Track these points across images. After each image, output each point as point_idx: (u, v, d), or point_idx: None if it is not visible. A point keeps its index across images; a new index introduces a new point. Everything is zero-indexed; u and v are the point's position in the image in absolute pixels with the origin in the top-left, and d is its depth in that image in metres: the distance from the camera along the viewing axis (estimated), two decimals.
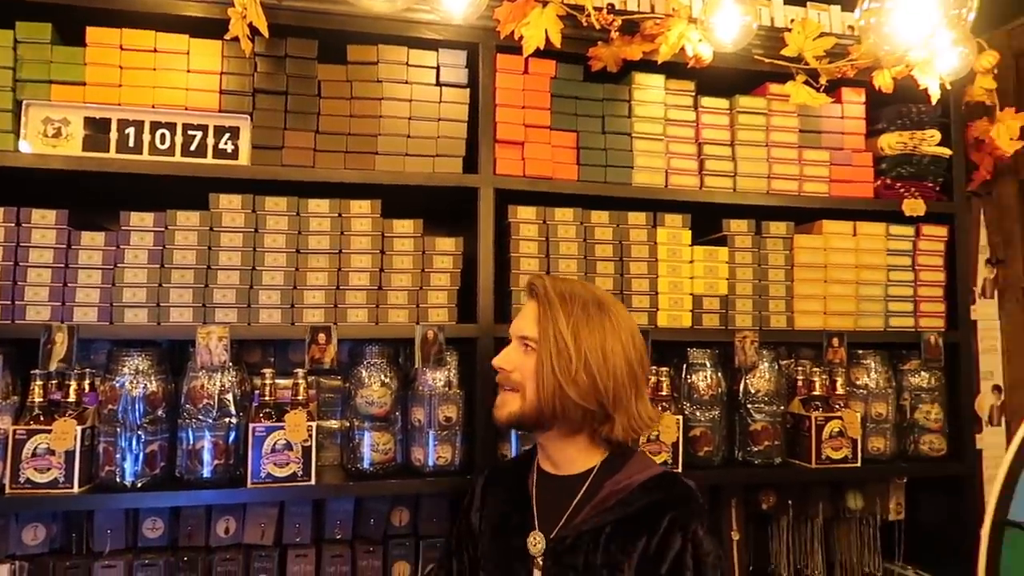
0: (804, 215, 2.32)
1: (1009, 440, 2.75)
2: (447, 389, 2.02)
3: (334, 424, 2.16)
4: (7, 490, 1.74)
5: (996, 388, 2.84)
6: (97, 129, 1.88)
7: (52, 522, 1.96)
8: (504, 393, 1.44)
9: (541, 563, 1.36)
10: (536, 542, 1.38)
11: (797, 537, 2.40)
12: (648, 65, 2.15)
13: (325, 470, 2.05)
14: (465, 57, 2.09)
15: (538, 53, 2.02)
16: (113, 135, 1.88)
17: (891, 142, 2.38)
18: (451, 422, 2.00)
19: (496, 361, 1.45)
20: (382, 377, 2.00)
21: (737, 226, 2.24)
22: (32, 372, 1.79)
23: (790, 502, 2.36)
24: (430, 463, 1.99)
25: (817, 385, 2.23)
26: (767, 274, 2.25)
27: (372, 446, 1.98)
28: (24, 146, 1.83)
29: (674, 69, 2.16)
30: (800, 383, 2.28)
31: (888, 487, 2.44)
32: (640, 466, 1.41)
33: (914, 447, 2.35)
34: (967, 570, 2.31)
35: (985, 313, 2.82)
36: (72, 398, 1.82)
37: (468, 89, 2.08)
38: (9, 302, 1.80)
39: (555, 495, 1.41)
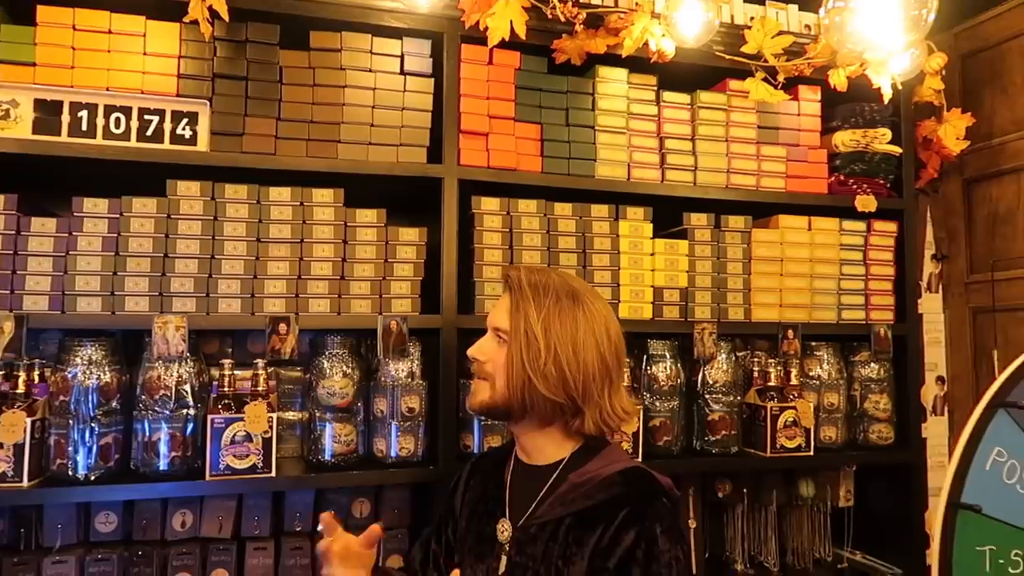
0: (761, 209, 2.37)
1: (953, 429, 2.86)
2: (410, 380, 2.01)
3: (294, 416, 2.14)
4: None
5: (940, 379, 2.94)
6: (48, 111, 1.81)
7: (1, 517, 1.89)
8: (476, 381, 1.43)
9: (507, 550, 1.36)
10: (504, 529, 1.38)
11: (751, 525, 2.45)
12: (612, 59, 2.17)
13: (285, 462, 2.03)
14: (430, 46, 2.07)
15: (503, 44, 2.03)
16: (65, 118, 1.82)
17: (845, 139, 2.44)
18: (414, 413, 2.00)
19: (471, 351, 1.44)
20: (344, 368, 1.99)
21: (697, 219, 2.28)
22: None
23: (745, 490, 2.41)
24: (392, 454, 1.98)
25: (772, 376, 2.28)
26: (726, 267, 2.29)
27: (334, 437, 1.96)
28: None
29: (637, 63, 2.18)
30: (756, 374, 2.33)
31: (839, 475, 2.51)
32: (608, 460, 1.38)
33: (864, 436, 2.42)
34: (913, 553, 2.41)
35: (930, 307, 2.92)
36: (21, 389, 1.76)
37: (432, 79, 2.06)
38: None
39: (526, 484, 1.41)
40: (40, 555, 1.90)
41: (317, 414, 1.98)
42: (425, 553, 1.57)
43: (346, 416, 1.98)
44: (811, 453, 2.26)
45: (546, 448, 1.41)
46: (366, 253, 1.99)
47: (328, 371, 1.97)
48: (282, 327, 1.89)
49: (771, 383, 2.28)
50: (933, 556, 1.70)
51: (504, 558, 1.36)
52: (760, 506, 2.45)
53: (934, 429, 2.89)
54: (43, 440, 1.78)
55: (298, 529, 2.09)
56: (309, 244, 1.95)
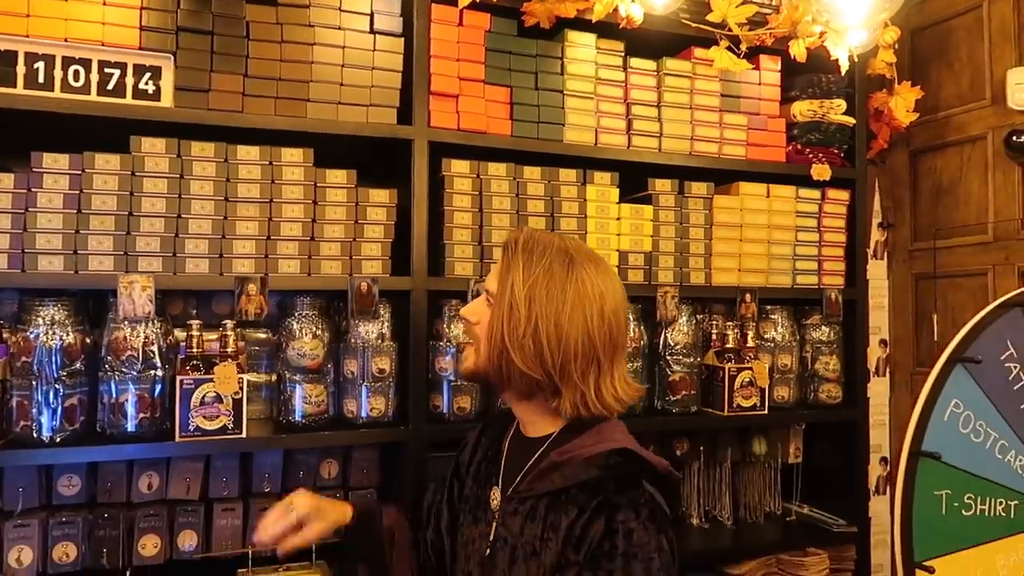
0: (723, 176, 2.43)
1: (893, 389, 3.01)
2: (380, 341, 2.02)
3: (261, 377, 2.13)
4: None
5: (882, 342, 3.08)
6: (2, 62, 1.74)
7: None
8: (467, 346, 1.39)
9: (496, 518, 1.32)
10: (495, 497, 1.35)
11: (707, 481, 2.55)
12: (581, 24, 2.18)
13: (253, 423, 2.02)
14: (400, 5, 2.05)
15: (473, 5, 2.03)
16: (20, 69, 1.75)
17: (802, 109, 2.51)
18: (384, 374, 2.01)
19: (463, 311, 1.39)
20: (314, 329, 1.98)
21: (662, 185, 2.32)
22: None
23: (702, 448, 2.50)
24: (363, 414, 2.00)
25: (730, 338, 2.36)
26: (688, 232, 2.34)
27: (304, 398, 1.96)
28: None
29: (605, 29, 2.20)
30: (714, 336, 2.40)
31: (789, 433, 2.62)
32: (599, 438, 1.27)
33: (814, 395, 2.54)
34: (855, 505, 2.55)
35: (875, 273, 3.05)
36: None
37: (403, 39, 2.04)
38: None
39: (518, 455, 1.36)
40: (1, 519, 1.86)
41: (287, 375, 1.97)
42: (429, 505, 1.56)
43: (316, 377, 1.98)
44: (766, 412, 2.36)
45: (537, 421, 1.35)
46: (336, 214, 1.97)
47: (298, 332, 1.97)
48: (251, 288, 1.87)
49: (729, 345, 2.36)
50: (896, 500, 1.81)
51: (494, 525, 1.32)
52: (715, 463, 2.55)
53: (875, 389, 3.03)
54: (4, 402, 1.73)
55: (267, 490, 2.09)
56: (278, 204, 1.92)
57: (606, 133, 2.25)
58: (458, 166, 2.09)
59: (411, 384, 2.01)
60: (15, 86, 1.74)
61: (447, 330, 2.10)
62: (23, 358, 1.73)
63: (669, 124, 2.32)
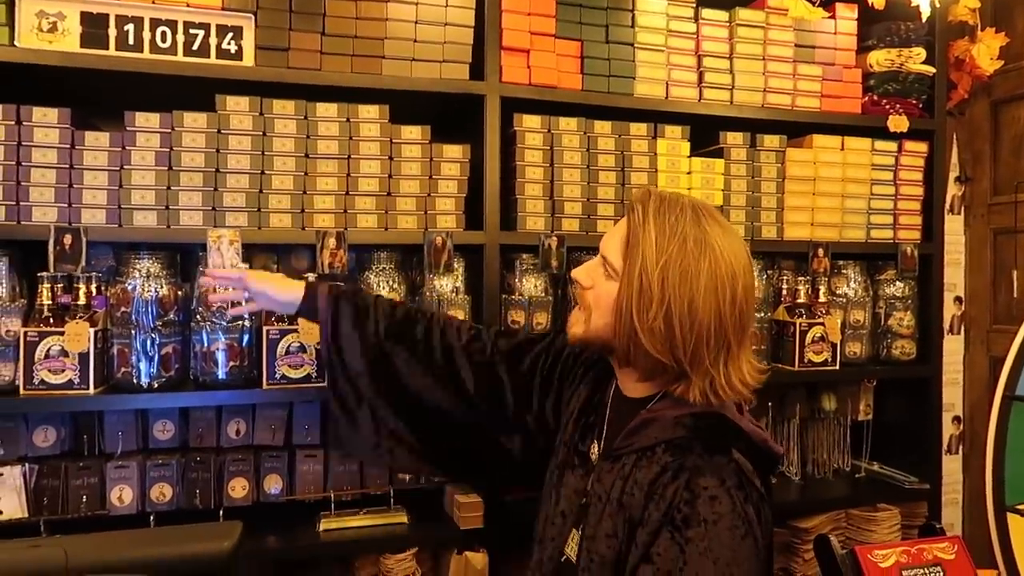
0: (796, 129, 2.39)
1: (968, 347, 2.94)
2: (454, 295, 2.07)
3: None
4: (21, 391, 1.74)
5: (957, 299, 3.01)
6: (94, 25, 1.81)
7: (62, 425, 1.97)
8: (575, 311, 1.31)
9: (594, 472, 1.27)
10: (594, 452, 1.30)
11: (775, 437, 2.54)
12: None
13: None
14: None
15: None
16: (112, 31, 1.82)
17: (879, 59, 2.44)
18: None
19: (575, 272, 1.30)
20: (390, 283, 2.04)
21: (733, 138, 2.30)
22: (39, 275, 1.77)
23: (770, 404, 2.50)
24: None
25: (801, 293, 2.34)
26: (760, 186, 2.32)
27: None
28: (20, 40, 1.76)
29: None
30: (785, 291, 2.39)
31: (859, 389, 2.60)
32: (681, 402, 1.20)
33: (887, 351, 2.50)
34: (927, 463, 2.52)
35: (951, 228, 2.97)
36: (82, 300, 1.81)
37: None
38: (14, 203, 1.76)
39: (621, 413, 1.30)
40: (103, 460, 1.98)
41: None
42: (516, 345, 1.54)
43: None
44: (837, 367, 2.34)
45: (640, 387, 1.27)
46: (411, 170, 2.01)
47: (375, 286, 2.02)
48: (331, 242, 1.93)
49: (800, 300, 2.34)
50: (988, 444, 1.79)
51: (590, 479, 1.28)
52: (784, 419, 2.54)
53: (948, 347, 2.97)
54: (106, 350, 1.83)
55: None
56: (356, 160, 1.97)
57: (677, 86, 2.23)
58: (529, 121, 2.10)
59: None
60: (107, 48, 1.81)
61: (519, 284, 2.13)
62: (122, 308, 1.83)
63: (741, 76, 2.29)
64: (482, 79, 2.04)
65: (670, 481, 1.12)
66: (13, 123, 1.75)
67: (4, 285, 1.79)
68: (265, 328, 1.88)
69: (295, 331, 1.89)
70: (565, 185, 2.13)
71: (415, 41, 2.00)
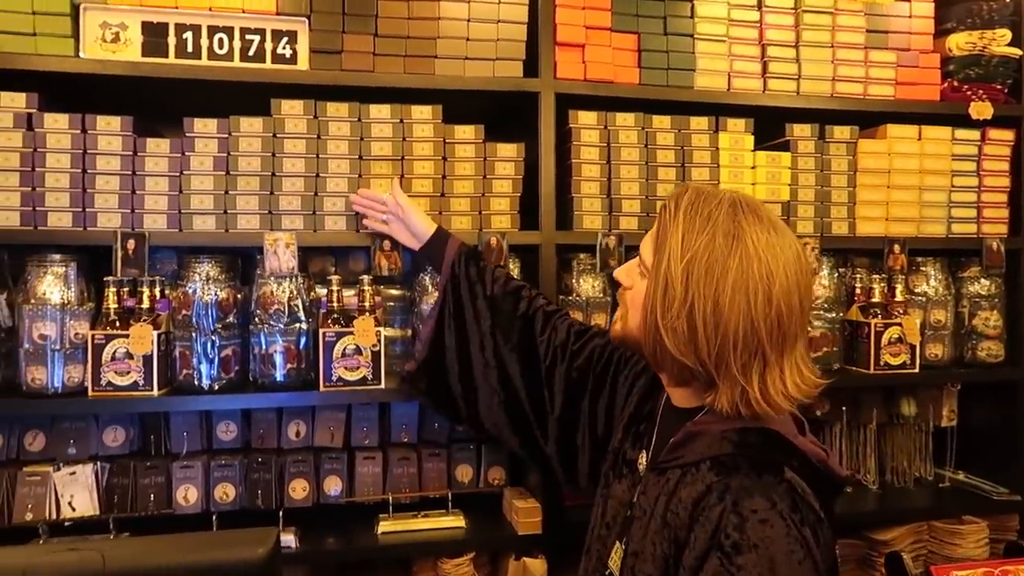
0: (868, 119, 2.27)
1: None
2: None
3: (396, 332, 2.19)
4: (90, 392, 1.79)
5: None
6: (155, 34, 1.85)
7: (130, 425, 2.02)
8: (618, 310, 1.27)
9: (640, 484, 1.22)
10: (642, 462, 1.25)
11: (850, 443, 2.43)
12: None
13: (390, 376, 2.09)
14: None
15: None
16: (171, 40, 1.86)
17: (959, 42, 2.30)
18: None
19: (616, 272, 1.27)
20: None
21: (800, 130, 2.20)
22: (106, 279, 1.82)
23: (844, 408, 2.38)
24: None
25: (876, 292, 2.22)
26: (830, 180, 2.21)
27: None
28: (84, 51, 1.81)
29: None
30: (858, 290, 2.27)
31: (942, 394, 2.45)
32: (727, 415, 1.13)
33: (971, 353, 2.35)
34: (1016, 473, 2.35)
35: None
36: (146, 304, 1.84)
37: None
38: (80, 209, 1.81)
39: (669, 424, 1.24)
40: (169, 460, 2.02)
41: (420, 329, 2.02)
42: (581, 331, 1.63)
43: None
44: (916, 370, 2.21)
45: (688, 397, 1.21)
46: (465, 169, 1.99)
47: (431, 287, 2.01)
48: (386, 244, 1.93)
49: (875, 299, 2.22)
50: None
51: (637, 490, 1.23)
52: (859, 424, 2.42)
53: None
54: (168, 352, 1.87)
55: (404, 440, 2.17)
56: (409, 161, 1.96)
57: (739, 77, 2.15)
58: (585, 117, 2.06)
59: None
60: (167, 56, 1.85)
61: (576, 284, 2.09)
62: (183, 312, 1.87)
63: (808, 65, 2.19)
64: (536, 76, 2.00)
65: (716, 503, 1.04)
66: (79, 132, 1.81)
67: (72, 289, 1.84)
68: (322, 331, 1.89)
69: (351, 333, 1.89)
70: (623, 182, 2.07)
71: (467, 40, 1.98)
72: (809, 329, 2.20)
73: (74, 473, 1.95)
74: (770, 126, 2.20)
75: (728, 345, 1.06)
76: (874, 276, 2.25)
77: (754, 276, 1.05)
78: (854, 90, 2.23)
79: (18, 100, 1.79)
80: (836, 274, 2.25)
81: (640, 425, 1.32)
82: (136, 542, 0.93)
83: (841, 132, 2.22)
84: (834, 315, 2.22)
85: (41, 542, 1.84)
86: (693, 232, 1.09)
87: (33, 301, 1.81)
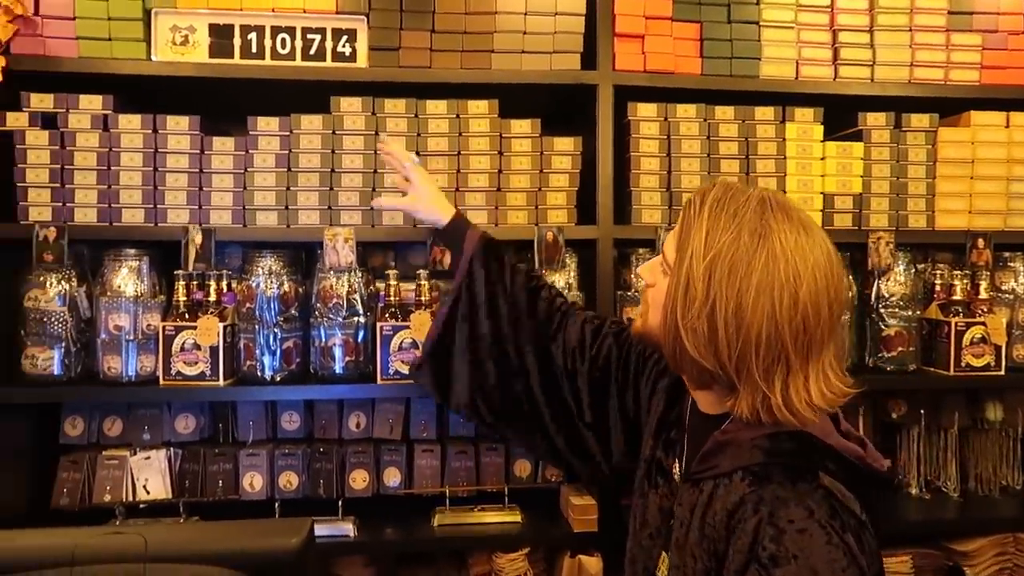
0: (950, 106, 2.15)
1: None
2: (567, 291, 2.01)
3: None
4: (161, 381, 1.87)
5: None
6: (221, 35, 1.91)
7: (200, 413, 2.10)
8: (640, 306, 1.23)
9: (677, 494, 1.18)
10: (676, 472, 1.20)
11: (929, 448, 2.30)
12: None
13: None
14: None
15: None
16: (236, 41, 1.92)
17: None
18: None
19: (640, 268, 1.23)
20: None
21: (874, 119, 2.10)
22: (175, 272, 1.89)
23: (922, 411, 2.26)
24: None
25: (958, 289, 2.10)
26: (906, 171, 2.10)
27: None
28: (156, 54, 1.89)
29: None
30: (938, 287, 2.15)
31: None
32: (756, 422, 1.07)
33: None
34: None
35: None
36: (213, 297, 1.91)
37: None
38: (151, 206, 1.89)
39: (698, 431, 1.19)
40: (236, 448, 2.09)
41: None
42: (597, 328, 1.53)
43: None
44: (1002, 372, 2.08)
45: (714, 402, 1.15)
46: (521, 164, 1.98)
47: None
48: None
49: (956, 297, 2.11)
50: None
51: (675, 500, 1.18)
52: (939, 428, 2.29)
53: None
54: (234, 344, 1.94)
55: (462, 434, 2.18)
56: (465, 156, 1.97)
57: (808, 64, 2.06)
58: (644, 109, 2.02)
59: None
60: (232, 56, 1.91)
61: (635, 279, 2.05)
62: (247, 305, 1.93)
63: (883, 50, 2.08)
64: (594, 68, 1.98)
65: (751, 514, 1.00)
66: (150, 132, 1.89)
67: (145, 282, 1.93)
68: (379, 324, 1.92)
69: (407, 327, 1.91)
70: (683, 175, 2.02)
71: (524, 33, 1.97)
72: (882, 327, 2.11)
73: (148, 458, 2.04)
74: (841, 115, 2.11)
75: (750, 348, 1.01)
76: (955, 272, 2.13)
77: (780, 277, 1.00)
78: (934, 76, 2.11)
79: (95, 102, 1.88)
80: (913, 270, 2.14)
81: (670, 431, 1.28)
82: (177, 528, 0.97)
83: (919, 120, 2.11)
84: (910, 313, 2.11)
85: (117, 523, 1.94)
86: (717, 229, 1.04)
87: (109, 293, 1.90)
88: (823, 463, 1.03)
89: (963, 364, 2.07)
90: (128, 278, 1.91)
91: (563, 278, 2.02)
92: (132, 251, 1.93)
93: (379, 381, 1.91)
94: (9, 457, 1.92)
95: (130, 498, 2.01)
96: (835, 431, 1.08)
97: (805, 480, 1.00)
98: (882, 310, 2.12)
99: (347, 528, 1.94)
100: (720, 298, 1.01)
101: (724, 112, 2.04)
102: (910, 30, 2.09)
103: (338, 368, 1.94)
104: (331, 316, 1.94)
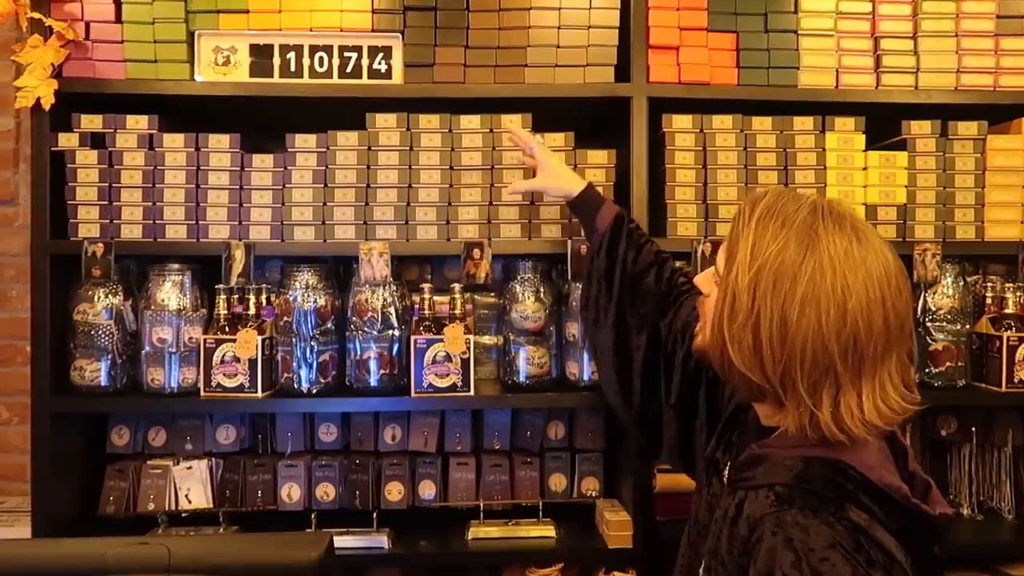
0: (1000, 113, 2.08)
1: None
2: None
3: (489, 340, 2.21)
4: (202, 393, 1.91)
5: None
6: (261, 55, 1.96)
7: (241, 424, 2.14)
8: (699, 320, 1.20)
9: (722, 494, 1.16)
10: (726, 474, 1.18)
11: (982, 467, 2.22)
12: None
13: (482, 383, 2.11)
14: None
15: None
16: (276, 60, 1.96)
17: None
18: None
19: (696, 278, 1.20)
20: (536, 292, 2.02)
21: (919, 128, 2.04)
22: (216, 287, 1.94)
23: (974, 429, 2.18)
24: (585, 377, 2.00)
25: (1010, 302, 2.03)
26: (953, 180, 2.04)
27: (527, 360, 2.01)
28: (199, 75, 1.95)
29: None
30: (989, 300, 2.08)
31: None
32: (796, 442, 1.04)
33: None
34: None
35: None
36: (252, 311, 1.96)
37: None
38: (194, 222, 1.94)
39: (746, 438, 1.18)
40: (275, 459, 2.13)
41: (511, 337, 2.03)
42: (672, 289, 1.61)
43: (539, 340, 2.02)
44: None
45: (770, 415, 1.11)
46: None
47: (520, 295, 2.01)
48: (476, 252, 1.95)
49: (1008, 310, 2.03)
50: None
51: (719, 499, 1.17)
52: (992, 447, 2.21)
53: None
54: (272, 356, 1.97)
55: (496, 447, 2.18)
56: (499, 170, 1.97)
57: (849, 73, 2.02)
58: (680, 121, 2.00)
59: None
60: (272, 76, 1.96)
61: None
62: (285, 318, 1.96)
63: (928, 56, 2.02)
64: (628, 80, 1.97)
65: (768, 536, 0.97)
66: (193, 150, 1.94)
67: (188, 296, 1.98)
68: (413, 338, 1.93)
69: (441, 341, 1.92)
70: (720, 188, 1.99)
71: (558, 47, 1.97)
72: (929, 341, 2.04)
73: (191, 468, 2.09)
74: (884, 125, 2.05)
75: (795, 363, 0.97)
76: (1008, 285, 2.05)
77: (827, 289, 0.96)
78: (983, 82, 2.04)
79: (142, 122, 1.94)
80: (962, 282, 2.07)
81: (733, 433, 1.25)
82: (200, 540, 0.99)
83: (967, 128, 2.04)
84: (959, 327, 2.04)
85: (160, 531, 1.99)
86: (765, 239, 1.00)
87: (153, 307, 1.96)
88: (856, 496, 0.98)
89: (1016, 380, 1.99)
90: (171, 292, 1.97)
91: None
92: (176, 266, 1.98)
93: (413, 394, 1.92)
94: (61, 465, 1.99)
95: (173, 507, 2.06)
96: (887, 466, 1.03)
97: (828, 510, 0.96)
98: (929, 324, 2.05)
99: (382, 540, 1.95)
100: (764, 310, 0.98)
101: (762, 123, 2.01)
102: (956, 35, 2.03)
103: (373, 381, 1.96)
104: (366, 329, 1.96)
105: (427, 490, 2.13)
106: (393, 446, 2.16)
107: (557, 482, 2.17)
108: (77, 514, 2.05)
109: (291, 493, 2.10)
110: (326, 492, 2.11)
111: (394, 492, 2.12)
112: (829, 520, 0.95)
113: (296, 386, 1.95)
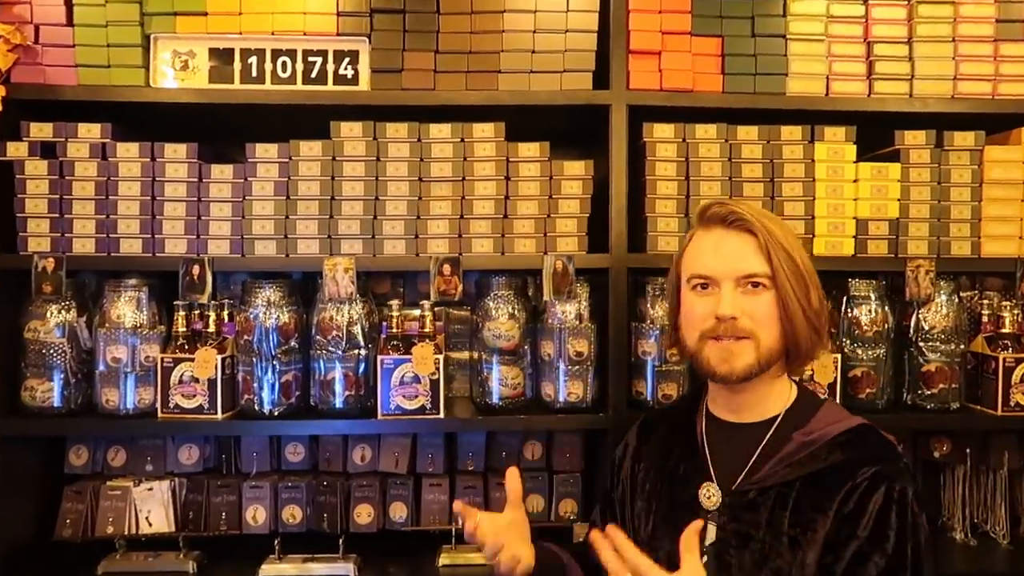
0: (998, 122, 1.98)
1: None
2: (578, 322, 1.92)
3: (464, 355, 2.13)
4: (159, 414, 1.83)
5: None
6: (221, 60, 1.87)
7: (204, 443, 2.06)
8: (730, 343, 1.22)
9: (717, 518, 1.22)
10: (711, 495, 1.24)
11: (975, 489, 2.13)
12: None
13: (455, 401, 2.03)
14: None
15: None
16: (236, 65, 1.87)
17: None
18: (582, 357, 1.90)
19: (726, 308, 1.20)
20: (510, 309, 1.93)
21: (913, 138, 1.94)
22: (175, 303, 1.85)
23: (968, 451, 2.09)
24: (561, 399, 1.91)
25: (1007, 321, 1.94)
26: (949, 193, 1.94)
27: (501, 380, 1.92)
28: (155, 81, 1.85)
29: None
30: (985, 319, 1.99)
31: None
32: (833, 416, 1.26)
33: None
34: None
35: None
36: (212, 328, 1.87)
37: None
38: (149, 235, 1.85)
39: (731, 444, 1.27)
40: (240, 479, 2.04)
41: (484, 356, 1.94)
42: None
43: (513, 359, 1.93)
44: None
45: (765, 402, 1.28)
46: (529, 189, 1.89)
47: (493, 312, 1.93)
48: (447, 268, 1.86)
49: (1005, 329, 1.94)
50: None
51: (713, 527, 1.22)
52: (987, 469, 2.12)
53: None
54: (233, 376, 1.89)
55: (471, 468, 2.10)
56: (471, 182, 1.88)
57: (840, 80, 1.92)
58: (661, 130, 1.90)
59: (611, 368, 1.89)
60: (232, 82, 1.86)
61: (650, 310, 1.94)
62: (245, 336, 1.87)
63: (923, 63, 1.93)
64: (607, 87, 1.87)
65: (866, 493, 1.17)
66: (148, 160, 1.85)
67: (144, 313, 1.89)
68: (380, 357, 1.84)
69: (409, 360, 1.84)
70: (703, 200, 1.89)
71: (533, 52, 1.88)
72: (921, 362, 1.95)
73: (151, 489, 2.01)
74: (876, 134, 1.96)
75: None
76: (1004, 303, 1.96)
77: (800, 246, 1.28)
78: (980, 90, 1.94)
79: (94, 131, 1.85)
80: (956, 300, 1.97)
81: (680, 467, 1.31)
82: None
83: (963, 139, 1.94)
84: (953, 347, 1.95)
85: (118, 556, 1.91)
86: (774, 228, 1.24)
87: (107, 325, 1.87)
88: (897, 449, 1.27)
89: (1012, 403, 1.91)
90: (127, 308, 1.88)
91: (574, 308, 1.92)
92: (132, 281, 1.89)
93: (380, 416, 1.84)
94: (14, 487, 1.90)
95: (133, 530, 1.97)
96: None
97: (898, 463, 1.21)
98: (922, 344, 1.96)
99: (347, 568, 1.87)
100: (808, 273, 1.24)
101: (747, 132, 1.92)
102: (953, 41, 1.93)
103: (338, 402, 1.88)
104: (331, 348, 1.87)
105: (398, 512, 2.05)
106: (363, 467, 2.08)
107: (534, 503, 2.08)
108: (32, 537, 1.97)
109: (256, 516, 2.02)
110: (292, 514, 2.03)
111: (363, 515, 2.04)
112: (904, 468, 1.21)
113: (258, 407, 1.87)
